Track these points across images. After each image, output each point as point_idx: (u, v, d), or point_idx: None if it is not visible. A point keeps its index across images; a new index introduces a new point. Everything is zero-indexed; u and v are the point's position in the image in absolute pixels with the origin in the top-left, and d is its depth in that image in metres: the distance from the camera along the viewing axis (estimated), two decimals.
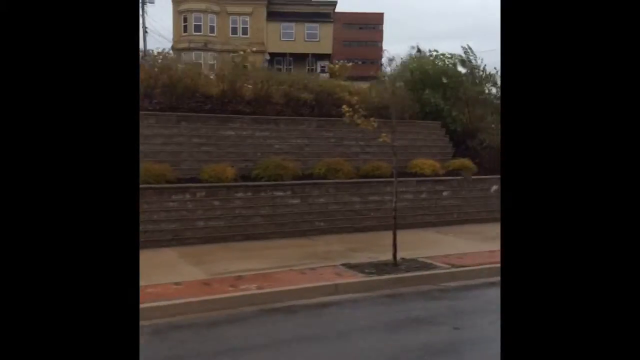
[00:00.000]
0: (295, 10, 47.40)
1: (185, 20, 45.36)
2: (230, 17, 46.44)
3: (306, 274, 8.49)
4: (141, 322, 4.81)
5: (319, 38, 47.85)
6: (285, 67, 47.72)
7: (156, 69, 13.08)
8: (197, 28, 45.00)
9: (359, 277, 8.28)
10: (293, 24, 47.42)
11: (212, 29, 45.71)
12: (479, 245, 10.74)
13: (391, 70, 17.27)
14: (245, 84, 13.34)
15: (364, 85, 16.93)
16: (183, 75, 12.97)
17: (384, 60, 69.93)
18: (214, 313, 6.88)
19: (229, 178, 11.21)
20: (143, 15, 40.33)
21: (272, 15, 47.10)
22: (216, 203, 10.93)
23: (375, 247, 10.13)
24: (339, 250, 10.27)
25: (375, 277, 8.29)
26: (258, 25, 46.66)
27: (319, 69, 48.74)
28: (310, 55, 47.59)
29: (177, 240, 10.48)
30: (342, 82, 15.67)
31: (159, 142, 11.56)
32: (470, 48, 16.84)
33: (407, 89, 15.36)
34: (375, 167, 12.87)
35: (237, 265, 8.95)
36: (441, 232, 12.10)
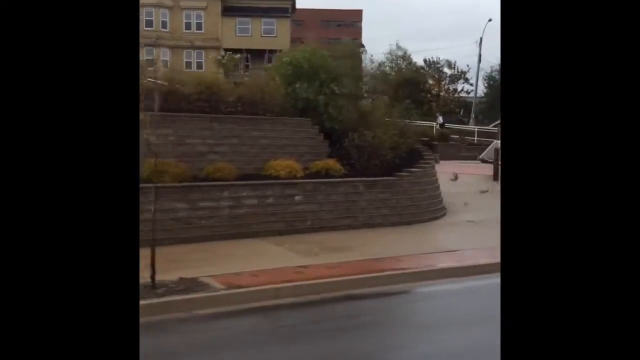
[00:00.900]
0: (252, 5, 46.02)
1: None
2: (184, 12, 45.07)
3: None
4: None
5: (276, 34, 46.46)
6: (242, 63, 46.36)
7: None
8: (149, 23, 43.52)
9: None
10: (249, 19, 46.05)
11: (164, 25, 44.33)
12: (300, 259, 9.40)
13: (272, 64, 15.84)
14: None
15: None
16: None
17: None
18: None
19: None
20: None
21: (228, 10, 45.73)
22: None
23: (175, 264, 8.74)
24: None
25: None
26: (213, 20, 45.30)
27: None
28: (267, 51, 46.20)
29: None
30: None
31: None
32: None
33: (282, 83, 14.03)
34: (217, 168, 11.51)
35: None
36: (278, 242, 10.72)
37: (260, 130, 12.92)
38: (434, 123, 36.29)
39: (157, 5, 43.91)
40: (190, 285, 7.79)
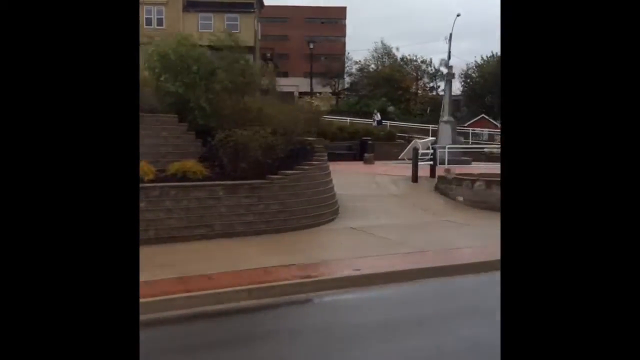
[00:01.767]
0: (215, 0, 44.74)
1: None
2: (145, 7, 43.77)
3: None
4: None
5: (240, 29, 45.08)
6: None
7: None
8: None
9: None
10: (212, 14, 44.72)
11: None
12: None
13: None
14: None
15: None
16: None
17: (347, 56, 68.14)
18: None
19: None
20: None
21: (190, 5, 44.49)
22: None
23: None
24: None
25: None
26: (174, 16, 44.05)
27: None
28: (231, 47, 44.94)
29: None
30: None
31: None
32: None
33: (151, 77, 12.81)
34: None
35: None
36: None
37: None
38: (371, 120, 35.00)
39: None
40: None
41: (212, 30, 44.62)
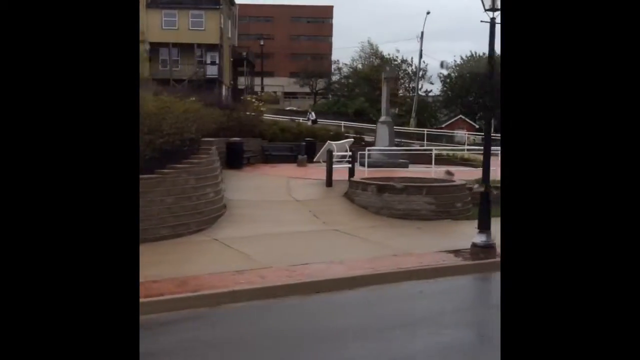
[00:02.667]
0: None
1: None
2: None
3: None
4: None
5: (204, 27, 43.85)
6: (170, 58, 44.01)
7: None
8: None
9: None
10: (176, 12, 43.55)
11: None
12: None
13: None
14: None
15: None
16: None
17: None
18: None
19: None
20: None
21: (153, 2, 43.15)
22: None
23: None
24: None
25: None
26: None
27: (209, 60, 45.07)
28: (195, 45, 43.67)
29: None
30: None
31: None
32: None
33: None
34: None
35: None
36: None
37: None
38: (305, 119, 33.47)
39: None
40: None
41: (176, 28, 43.67)
